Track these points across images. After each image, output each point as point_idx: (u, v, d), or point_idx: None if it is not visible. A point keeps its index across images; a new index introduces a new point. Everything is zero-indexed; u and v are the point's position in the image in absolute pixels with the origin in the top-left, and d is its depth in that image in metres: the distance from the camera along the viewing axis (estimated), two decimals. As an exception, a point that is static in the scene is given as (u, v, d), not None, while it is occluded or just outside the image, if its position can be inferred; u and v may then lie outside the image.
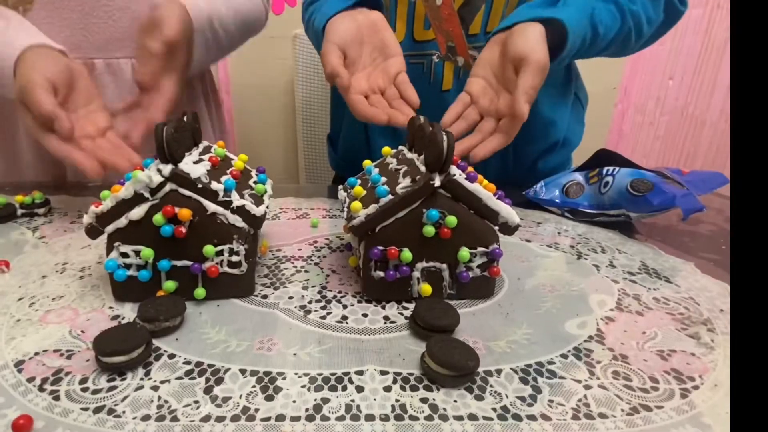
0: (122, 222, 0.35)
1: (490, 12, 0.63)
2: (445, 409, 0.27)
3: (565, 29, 0.53)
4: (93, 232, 0.36)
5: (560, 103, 0.72)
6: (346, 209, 0.41)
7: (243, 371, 0.30)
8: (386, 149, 0.47)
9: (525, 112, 0.50)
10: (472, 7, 0.61)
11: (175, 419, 0.26)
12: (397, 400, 0.28)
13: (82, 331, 0.34)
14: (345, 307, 0.38)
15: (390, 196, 0.36)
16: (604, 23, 0.58)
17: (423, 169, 0.37)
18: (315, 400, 0.28)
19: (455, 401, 0.28)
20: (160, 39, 0.55)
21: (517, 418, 0.27)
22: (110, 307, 0.37)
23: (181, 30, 0.56)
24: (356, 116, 0.55)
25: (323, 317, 0.36)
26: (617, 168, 0.57)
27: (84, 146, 0.50)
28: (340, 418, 0.27)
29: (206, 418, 0.26)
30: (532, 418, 0.27)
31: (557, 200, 0.61)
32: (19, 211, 0.54)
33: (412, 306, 0.38)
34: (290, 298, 0.39)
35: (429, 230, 0.36)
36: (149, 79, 0.56)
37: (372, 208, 0.36)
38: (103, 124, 0.55)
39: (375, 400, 0.28)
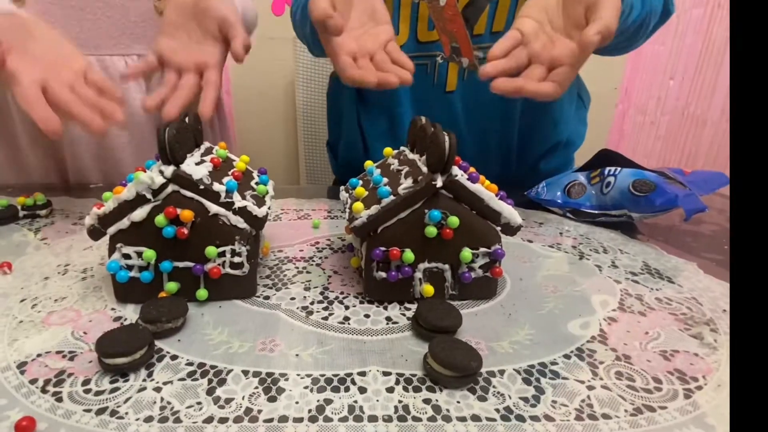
0: (124, 223, 0.35)
1: (495, 12, 0.62)
2: (448, 410, 0.27)
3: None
4: (95, 233, 0.36)
5: (564, 103, 0.72)
6: (347, 210, 0.41)
7: (245, 372, 0.30)
8: (387, 150, 0.47)
9: (594, 42, 0.43)
10: (477, 8, 0.60)
11: (177, 420, 0.26)
12: (400, 401, 0.28)
13: (85, 333, 0.34)
14: (347, 308, 0.38)
15: (392, 197, 0.36)
16: (636, 6, 0.54)
17: (425, 169, 0.37)
18: (318, 401, 0.28)
19: (458, 402, 0.28)
20: (241, 44, 0.54)
21: (520, 419, 0.27)
22: (112, 309, 0.37)
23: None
24: (343, 78, 0.51)
25: (325, 318, 0.36)
26: (619, 168, 0.57)
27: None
28: (343, 419, 0.27)
29: (209, 420, 0.26)
30: (535, 418, 0.27)
31: (559, 200, 0.61)
32: (21, 213, 0.54)
33: (414, 307, 0.38)
34: (292, 299, 0.39)
35: (431, 231, 0.36)
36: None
37: (374, 209, 0.36)
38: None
39: (378, 401, 0.28)
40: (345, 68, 0.50)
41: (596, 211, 0.57)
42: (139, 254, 0.36)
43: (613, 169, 0.58)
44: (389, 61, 0.54)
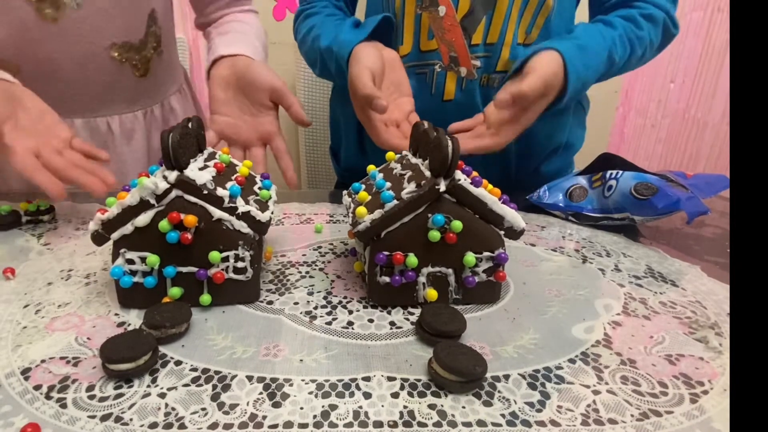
0: (128, 229, 0.35)
1: (491, 23, 0.64)
2: (453, 416, 0.27)
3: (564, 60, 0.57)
4: (99, 238, 0.36)
5: (563, 108, 0.73)
6: (351, 214, 0.41)
7: (250, 378, 0.30)
8: (390, 154, 0.47)
9: (500, 100, 0.54)
10: (474, 19, 0.62)
11: (182, 427, 0.26)
12: (405, 407, 0.28)
13: (89, 338, 0.34)
14: (351, 312, 0.38)
15: (395, 201, 0.36)
16: (619, 53, 0.62)
17: (428, 174, 0.37)
18: (323, 406, 0.28)
19: (463, 407, 0.28)
20: (300, 109, 0.59)
21: (526, 424, 0.27)
22: (116, 314, 0.37)
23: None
24: (379, 143, 0.58)
25: (329, 323, 0.36)
26: (620, 171, 0.57)
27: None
28: (348, 425, 0.27)
29: (214, 426, 0.26)
30: (541, 424, 0.27)
31: (561, 204, 0.60)
32: (24, 218, 0.54)
33: (417, 311, 0.38)
34: (295, 303, 0.39)
35: (434, 235, 0.36)
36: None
37: (377, 214, 0.36)
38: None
39: (383, 406, 0.28)
40: (380, 135, 0.58)
41: (598, 215, 0.57)
42: (143, 259, 0.36)
43: (614, 172, 0.58)
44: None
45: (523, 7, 0.63)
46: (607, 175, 0.58)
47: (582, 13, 0.73)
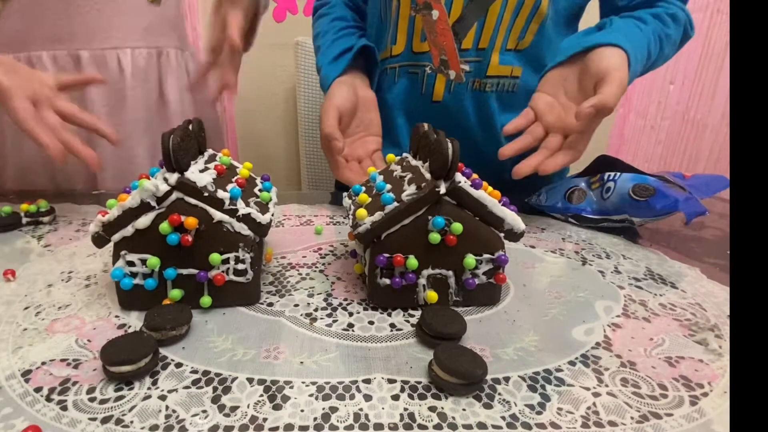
0: (128, 231, 0.35)
1: (482, 29, 0.65)
2: (453, 418, 0.27)
3: (628, 57, 0.55)
4: (99, 240, 0.36)
5: None
6: (351, 216, 0.41)
7: (250, 380, 0.30)
8: (390, 156, 0.47)
9: (587, 114, 0.50)
10: (466, 24, 0.63)
11: (183, 429, 0.26)
12: (405, 409, 0.28)
13: (89, 340, 0.34)
14: (351, 314, 0.38)
15: (395, 204, 0.36)
16: (653, 50, 0.61)
17: (428, 176, 0.37)
18: (323, 409, 0.28)
19: (464, 409, 0.28)
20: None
21: (526, 426, 0.27)
22: (116, 316, 0.37)
23: None
24: (336, 176, 0.61)
25: (329, 325, 0.36)
26: (618, 173, 0.57)
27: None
28: (349, 428, 0.27)
29: (214, 428, 0.26)
30: (541, 426, 0.27)
31: (560, 206, 0.61)
32: (24, 220, 0.54)
33: (418, 313, 0.38)
34: (296, 305, 0.39)
35: (434, 237, 0.36)
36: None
37: (377, 216, 0.36)
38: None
39: (383, 408, 0.28)
40: (338, 169, 0.60)
41: (597, 217, 0.57)
42: (144, 261, 0.36)
43: (612, 174, 0.58)
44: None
45: (515, 13, 0.64)
46: (605, 177, 0.58)
47: (588, 16, 0.73)
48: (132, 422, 0.27)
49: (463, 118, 0.69)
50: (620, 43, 0.54)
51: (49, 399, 0.28)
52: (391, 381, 0.30)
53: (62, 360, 0.31)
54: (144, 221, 0.35)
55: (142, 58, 0.70)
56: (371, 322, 0.37)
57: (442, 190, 0.36)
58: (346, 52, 0.67)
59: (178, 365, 0.31)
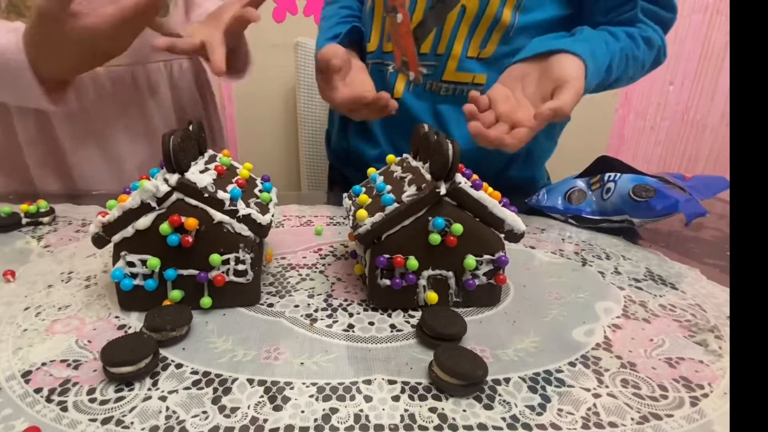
0: (129, 231, 0.35)
1: (441, 35, 0.67)
2: (454, 419, 0.27)
3: (586, 69, 0.56)
4: (99, 241, 0.36)
5: None
6: (351, 217, 0.41)
7: (251, 381, 0.30)
8: (390, 157, 0.47)
9: (546, 116, 0.51)
10: (425, 29, 0.67)
11: (183, 430, 0.26)
12: (406, 410, 0.28)
13: (89, 341, 0.34)
14: (351, 315, 0.38)
15: (396, 204, 0.36)
16: (615, 68, 0.62)
17: (428, 177, 0.37)
18: (323, 410, 0.28)
19: (464, 410, 0.28)
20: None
21: (526, 427, 0.27)
22: (116, 317, 0.37)
23: None
24: (328, 97, 0.62)
25: (329, 326, 0.36)
26: (619, 174, 0.57)
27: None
28: (349, 429, 0.27)
29: (215, 429, 0.26)
30: (541, 427, 0.27)
31: (560, 207, 0.61)
32: (24, 220, 0.54)
33: (418, 314, 0.38)
34: (296, 306, 0.39)
35: (435, 238, 0.36)
36: None
37: (378, 216, 0.36)
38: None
39: (384, 409, 0.28)
40: (333, 89, 0.61)
41: (597, 217, 0.57)
42: (144, 262, 0.36)
43: (612, 174, 0.58)
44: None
45: (474, 24, 0.65)
46: (606, 178, 0.58)
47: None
48: (132, 423, 0.27)
49: (418, 116, 0.72)
50: (582, 54, 0.56)
51: (49, 400, 0.28)
52: (391, 382, 0.30)
53: (62, 361, 0.31)
54: (144, 222, 0.35)
55: (153, 72, 0.72)
56: (371, 323, 0.37)
57: (443, 191, 0.36)
58: (338, 33, 0.70)
59: (179, 366, 0.31)
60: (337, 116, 0.83)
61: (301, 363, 0.32)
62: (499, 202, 0.38)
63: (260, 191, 0.42)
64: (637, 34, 0.65)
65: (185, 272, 0.36)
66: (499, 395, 0.29)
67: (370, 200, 0.40)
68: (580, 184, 0.61)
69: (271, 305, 0.39)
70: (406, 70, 0.64)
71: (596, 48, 0.59)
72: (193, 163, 0.38)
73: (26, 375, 0.30)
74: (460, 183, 0.36)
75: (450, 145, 0.35)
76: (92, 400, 0.28)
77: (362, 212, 0.38)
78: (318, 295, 0.41)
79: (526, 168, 0.77)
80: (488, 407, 0.28)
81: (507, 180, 0.75)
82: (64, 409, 0.27)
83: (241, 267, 0.37)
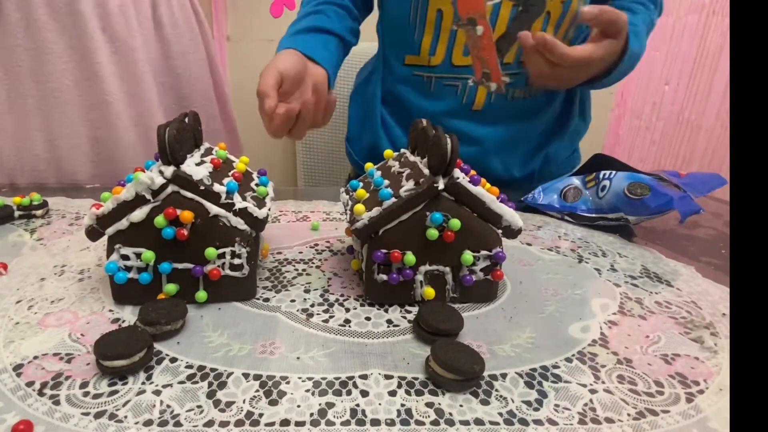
0: (123, 224, 0.35)
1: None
2: (451, 414, 0.27)
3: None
4: (93, 234, 0.36)
5: (580, 124, 0.79)
6: (348, 212, 0.40)
7: (246, 375, 0.30)
8: (388, 152, 0.47)
9: (587, 10, 0.56)
10: (508, 40, 0.66)
11: (178, 424, 0.26)
12: (402, 405, 0.28)
13: (82, 335, 0.33)
14: (347, 310, 0.37)
15: (393, 199, 0.36)
16: (643, 42, 0.65)
17: (426, 172, 0.37)
18: (320, 404, 0.28)
19: (461, 406, 0.28)
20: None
21: (523, 422, 0.27)
22: (110, 310, 0.36)
23: None
24: (267, 129, 0.59)
25: (326, 321, 0.36)
26: (614, 172, 0.57)
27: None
28: (346, 423, 0.26)
29: (210, 423, 0.26)
30: (538, 422, 0.27)
31: (555, 205, 0.61)
32: (17, 213, 0.53)
33: (414, 309, 0.38)
34: (292, 301, 0.38)
35: (432, 233, 0.36)
36: None
37: (375, 211, 0.36)
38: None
39: (380, 404, 0.28)
40: (266, 123, 0.58)
41: (593, 215, 0.57)
42: (138, 255, 0.35)
43: (608, 172, 0.58)
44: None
45: (557, 26, 0.67)
46: (601, 176, 0.58)
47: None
48: (126, 417, 0.26)
49: (501, 125, 0.72)
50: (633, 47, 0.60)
51: (41, 393, 0.28)
52: (388, 377, 0.30)
53: (55, 354, 0.31)
54: (139, 214, 0.35)
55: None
56: (368, 318, 0.36)
57: (441, 186, 0.35)
58: (314, 31, 0.68)
59: (173, 360, 0.31)
60: (377, 128, 0.80)
61: (297, 357, 0.32)
62: (497, 198, 0.38)
63: (256, 185, 0.42)
64: None
65: (180, 266, 0.36)
66: (496, 390, 0.29)
67: (367, 195, 0.40)
68: (576, 181, 0.61)
69: (267, 300, 0.39)
70: (487, 81, 0.63)
71: (640, 32, 0.63)
72: (188, 155, 0.38)
73: (18, 368, 0.30)
74: (458, 178, 0.36)
75: (448, 140, 0.34)
76: (85, 394, 0.28)
77: (360, 207, 0.37)
78: (314, 290, 0.40)
79: (572, 141, 0.81)
80: (485, 402, 0.28)
81: (552, 156, 0.78)
82: (57, 403, 0.27)
83: (237, 261, 0.37)
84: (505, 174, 0.75)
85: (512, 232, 0.39)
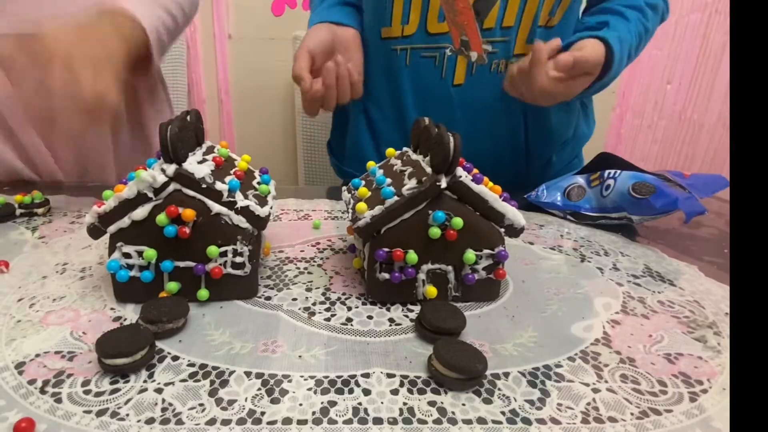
0: (125, 222, 0.35)
1: (506, 7, 0.62)
2: (453, 413, 0.27)
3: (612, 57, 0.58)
4: (95, 232, 0.36)
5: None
6: (350, 210, 0.40)
7: (248, 374, 0.30)
8: (390, 150, 0.47)
9: (562, 61, 0.55)
10: (488, 2, 0.60)
11: (180, 422, 0.26)
12: (404, 404, 0.28)
13: (84, 333, 0.33)
14: (349, 309, 0.37)
15: (396, 198, 0.36)
16: (633, 49, 0.64)
17: (429, 170, 0.37)
18: (322, 403, 0.28)
19: (463, 404, 0.28)
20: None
21: (526, 421, 0.27)
22: (112, 309, 0.36)
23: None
24: (305, 110, 0.62)
25: (328, 319, 0.36)
26: (619, 171, 0.57)
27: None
28: (348, 422, 0.26)
29: (212, 422, 0.26)
30: (541, 421, 0.27)
31: (559, 203, 0.61)
32: (18, 211, 0.53)
33: (417, 308, 0.38)
34: (294, 299, 0.38)
35: (435, 232, 0.36)
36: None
37: (377, 210, 0.36)
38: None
39: (382, 403, 0.28)
40: (306, 104, 0.61)
41: (596, 214, 0.57)
42: (140, 253, 0.35)
43: (612, 171, 0.58)
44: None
45: None
46: (605, 175, 0.58)
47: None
48: (128, 415, 0.26)
49: (484, 101, 0.66)
50: (602, 36, 0.58)
51: (43, 391, 0.28)
52: (390, 375, 0.30)
53: (56, 352, 0.31)
54: (141, 212, 0.35)
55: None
56: (370, 317, 0.36)
57: (443, 184, 0.35)
58: (339, 5, 0.68)
59: (175, 358, 0.31)
60: (360, 120, 0.76)
61: (299, 356, 0.32)
62: (500, 197, 0.38)
63: (258, 183, 0.42)
64: (643, 4, 0.64)
65: (182, 264, 0.36)
66: (499, 389, 0.29)
67: (369, 193, 0.40)
68: (580, 180, 0.61)
69: (268, 298, 0.38)
70: (467, 51, 0.57)
71: (623, 34, 0.61)
72: (190, 153, 0.38)
73: (20, 366, 0.30)
74: (460, 176, 0.36)
75: (451, 138, 0.34)
76: (87, 392, 0.28)
77: (362, 205, 0.37)
78: (316, 288, 0.40)
79: (575, 149, 0.79)
80: (487, 401, 0.28)
81: (556, 164, 0.76)
82: (59, 401, 0.27)
83: (238, 259, 0.37)
84: (493, 151, 0.70)
85: (515, 231, 0.39)
